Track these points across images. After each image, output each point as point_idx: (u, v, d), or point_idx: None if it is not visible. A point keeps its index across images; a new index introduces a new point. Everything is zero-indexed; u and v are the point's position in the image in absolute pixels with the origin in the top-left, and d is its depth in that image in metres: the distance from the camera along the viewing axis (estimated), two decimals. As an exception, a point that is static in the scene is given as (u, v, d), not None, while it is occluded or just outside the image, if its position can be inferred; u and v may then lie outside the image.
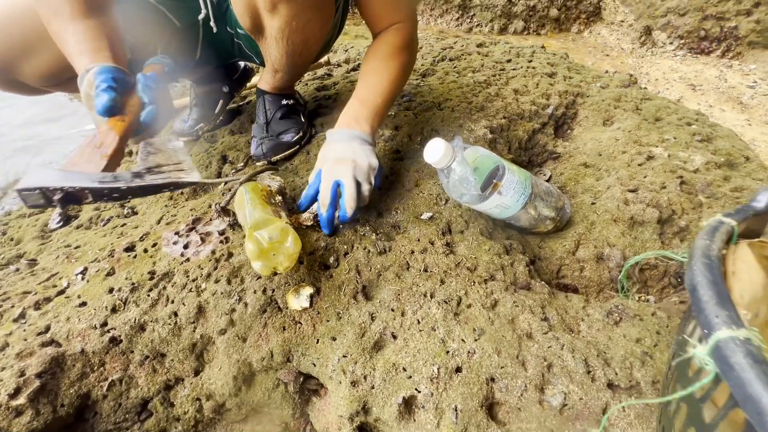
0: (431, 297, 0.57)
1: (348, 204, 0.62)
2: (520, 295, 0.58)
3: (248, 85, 1.25)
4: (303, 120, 0.96)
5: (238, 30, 0.87)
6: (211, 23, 0.87)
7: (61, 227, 0.96)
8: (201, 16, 0.86)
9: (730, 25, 2.30)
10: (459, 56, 1.33)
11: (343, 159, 0.65)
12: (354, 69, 1.35)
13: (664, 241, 0.75)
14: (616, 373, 0.48)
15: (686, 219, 0.76)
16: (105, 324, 0.58)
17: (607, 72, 1.87)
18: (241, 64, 1.16)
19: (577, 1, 2.56)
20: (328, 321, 0.58)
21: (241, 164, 0.95)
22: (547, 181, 0.97)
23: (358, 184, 0.64)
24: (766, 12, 2.23)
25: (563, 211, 0.76)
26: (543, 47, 1.56)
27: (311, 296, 0.59)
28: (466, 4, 2.40)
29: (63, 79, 0.79)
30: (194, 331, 0.59)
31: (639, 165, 0.89)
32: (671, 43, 2.43)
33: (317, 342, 0.57)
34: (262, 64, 0.91)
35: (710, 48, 2.36)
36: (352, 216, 0.63)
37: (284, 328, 0.58)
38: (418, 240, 0.65)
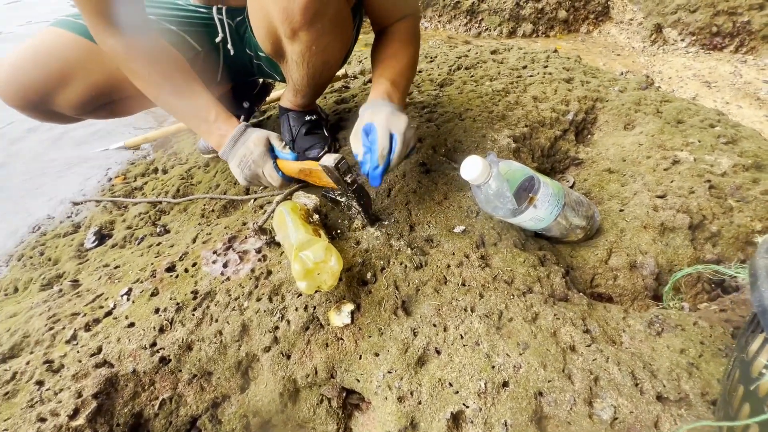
0: (472, 311, 0.58)
1: (399, 153, 0.65)
2: (560, 307, 0.58)
3: (268, 99, 1.28)
4: (327, 134, 0.98)
5: (258, 53, 0.89)
6: (228, 46, 0.89)
7: (96, 246, 0.98)
8: (218, 40, 0.88)
9: (742, 20, 2.27)
10: (474, 64, 1.34)
11: (396, 114, 0.67)
12: (370, 81, 1.37)
13: (696, 247, 0.75)
14: (664, 385, 0.48)
15: (717, 224, 0.76)
16: (154, 344, 0.60)
17: (622, 74, 1.87)
18: (261, 80, 1.18)
19: (585, 1, 2.55)
20: (370, 337, 0.59)
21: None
22: (571, 187, 0.97)
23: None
24: (779, 5, 2.21)
25: (593, 219, 0.76)
26: (556, 51, 1.56)
27: (352, 312, 0.60)
28: (474, 9, 2.41)
29: (95, 107, 0.82)
30: (239, 349, 0.60)
31: (665, 170, 0.89)
32: (683, 40, 2.41)
33: (360, 358, 0.58)
34: (283, 80, 0.94)
35: (723, 44, 2.33)
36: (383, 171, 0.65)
37: (327, 345, 0.59)
38: (453, 254, 0.66)
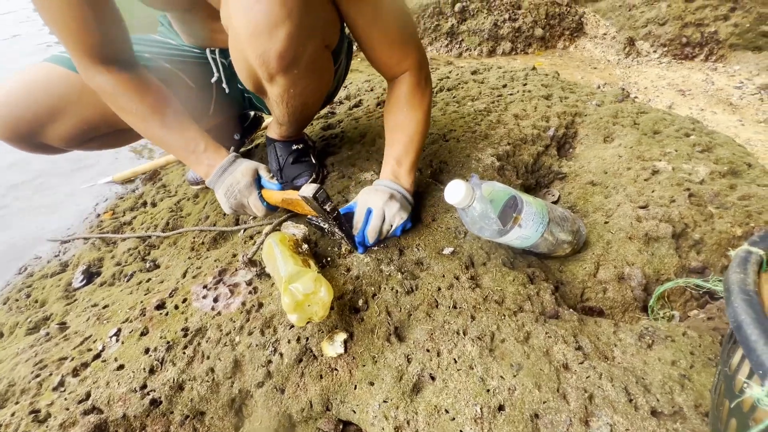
0: (464, 334, 0.58)
1: (370, 232, 0.71)
2: (551, 325, 0.59)
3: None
4: (314, 161, 0.99)
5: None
6: (224, 84, 0.91)
7: (84, 285, 0.97)
8: (214, 80, 0.90)
9: (709, 31, 2.38)
10: (456, 85, 1.37)
11: (380, 192, 0.72)
12: (356, 105, 1.40)
13: (681, 256, 0.76)
14: (658, 400, 0.48)
15: (700, 231, 0.78)
16: (144, 386, 0.59)
17: (599, 87, 1.93)
18: (251, 112, 1.20)
19: (560, 18, 2.65)
20: (365, 366, 0.58)
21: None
22: (556, 201, 0.99)
23: (384, 220, 0.71)
24: (741, 15, 2.32)
25: (579, 233, 0.78)
26: (534, 68, 1.61)
27: (345, 342, 0.60)
28: (454, 30, 2.49)
29: (85, 140, 0.83)
30: (232, 386, 0.59)
31: (645, 180, 0.92)
32: (655, 52, 2.51)
33: (355, 388, 0.58)
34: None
35: (693, 53, 2.43)
36: (372, 244, 0.72)
37: (321, 376, 0.59)
38: (443, 276, 0.67)
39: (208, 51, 0.89)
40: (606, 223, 0.83)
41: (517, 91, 1.30)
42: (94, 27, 0.63)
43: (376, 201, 0.72)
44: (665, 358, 0.53)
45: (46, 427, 0.55)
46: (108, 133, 0.85)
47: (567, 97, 1.28)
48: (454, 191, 0.59)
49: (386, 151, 0.80)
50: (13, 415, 0.57)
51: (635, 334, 0.57)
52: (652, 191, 0.88)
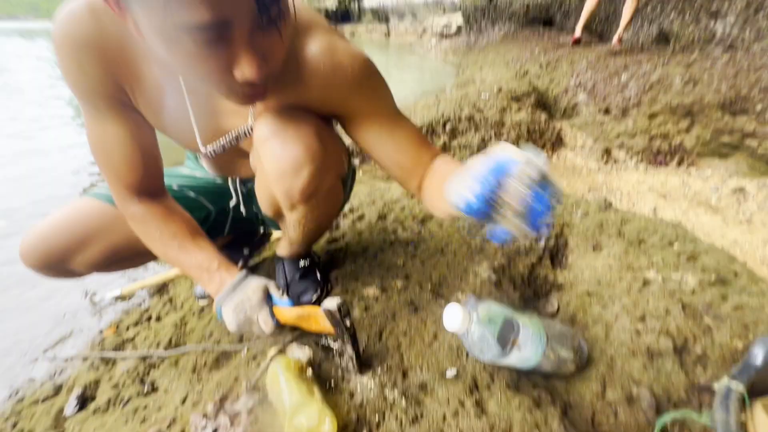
0: (473, 472, 0.55)
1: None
2: (563, 458, 0.56)
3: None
4: (319, 278, 1.04)
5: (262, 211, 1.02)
6: (241, 208, 1.02)
7: (77, 412, 0.93)
8: (233, 204, 1.01)
9: (675, 142, 2.65)
10: (450, 199, 1.50)
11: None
12: (359, 218, 1.51)
13: (687, 372, 0.75)
14: None
15: (701, 346, 0.78)
16: None
17: (583, 196, 2.08)
18: (261, 229, 1.30)
19: (541, 133, 2.98)
20: None
21: (263, 326, 0.99)
22: (556, 312, 1.01)
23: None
24: (700, 129, 2.61)
25: (581, 349, 0.78)
26: (521, 181, 1.77)
27: (348, 483, 0.57)
28: (446, 146, 2.79)
29: (107, 264, 0.89)
30: None
31: (638, 291, 0.95)
32: (631, 159, 2.75)
33: None
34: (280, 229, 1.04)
35: (666, 160, 2.67)
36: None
37: None
38: (448, 401, 0.66)
39: (230, 180, 1.01)
40: (607, 337, 0.84)
41: (507, 204, 1.41)
42: (136, 167, 0.74)
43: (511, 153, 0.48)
44: (689, 499, 0.50)
45: None
46: (128, 256, 0.92)
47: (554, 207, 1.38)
48: (452, 318, 0.62)
49: (448, 174, 0.61)
50: None
51: (653, 470, 0.54)
52: (647, 302, 0.91)
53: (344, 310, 0.67)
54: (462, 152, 2.77)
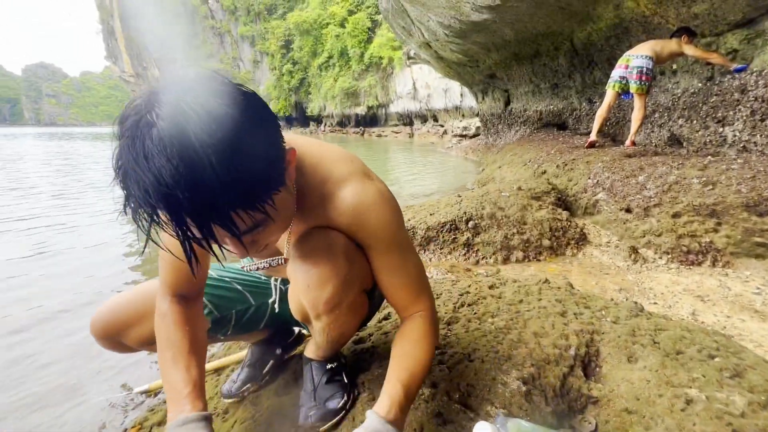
0: None
1: None
2: None
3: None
4: (346, 381, 1.05)
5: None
6: (275, 305, 1.10)
7: None
8: (271, 300, 1.10)
9: (705, 241, 2.61)
10: (476, 301, 1.52)
11: None
12: (385, 318, 1.53)
13: None
14: None
15: (761, 482, 0.71)
16: None
17: (612, 300, 2.04)
18: (295, 329, 1.35)
19: (563, 231, 3.03)
20: None
21: (288, 434, 0.98)
22: (594, 431, 0.95)
23: None
24: (729, 229, 2.58)
25: (624, 480, 0.73)
26: (547, 281, 1.78)
27: None
28: (469, 242, 2.87)
29: (153, 341, 0.97)
30: None
31: (681, 410, 0.89)
32: (660, 258, 2.70)
33: None
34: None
35: (698, 260, 2.60)
36: None
37: None
38: None
39: (272, 279, 1.11)
40: (652, 465, 0.78)
41: (533, 307, 1.42)
42: (184, 278, 0.85)
43: None
44: None
45: None
46: None
47: (582, 313, 1.37)
48: (481, 437, 0.62)
49: (390, 374, 0.79)
50: None
51: None
52: (693, 424, 0.85)
53: None
54: (485, 248, 2.83)
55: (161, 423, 1.27)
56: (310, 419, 0.94)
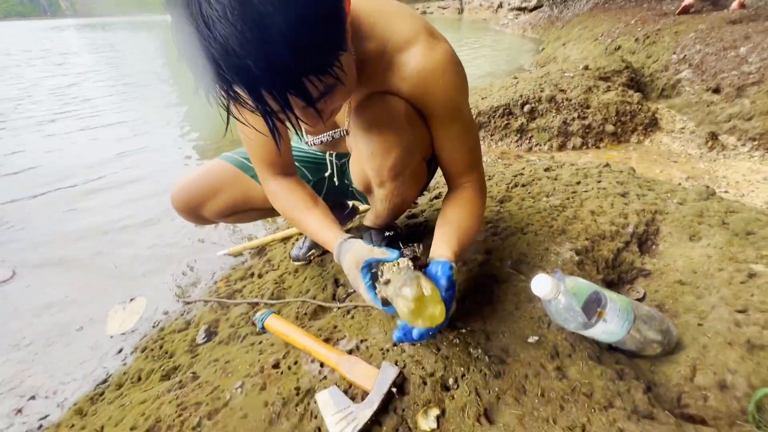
0: (554, 422, 0.61)
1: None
2: (645, 424, 0.59)
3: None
4: (402, 247, 1.13)
5: (353, 185, 1.13)
6: (334, 179, 1.15)
7: (205, 342, 1.15)
8: (327, 174, 1.14)
9: (805, 126, 2.27)
10: (530, 182, 1.49)
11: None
12: (436, 197, 1.57)
13: (794, 368, 0.71)
14: None
15: (813, 343, 0.73)
16: (263, 436, 0.69)
17: (680, 184, 1.91)
18: (350, 203, 1.43)
19: (632, 115, 2.74)
20: (456, 444, 0.63)
21: (352, 289, 1.11)
22: (642, 299, 0.99)
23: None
24: (843, 111, 2.20)
25: (669, 333, 0.78)
26: (608, 165, 1.68)
27: (438, 417, 0.66)
28: (523, 128, 2.70)
29: (229, 214, 1.09)
30: (335, 447, 0.67)
31: (741, 283, 0.89)
32: (743, 145, 2.42)
33: (446, 465, 0.62)
34: (367, 201, 1.15)
35: (790, 147, 2.30)
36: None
37: (415, 449, 0.64)
38: (530, 363, 0.71)
39: (327, 154, 1.14)
40: (700, 325, 0.82)
41: (592, 188, 1.37)
42: (273, 153, 0.88)
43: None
44: (782, 478, 0.50)
45: (188, 460, 0.67)
46: (245, 210, 1.10)
47: (645, 195, 1.31)
48: (541, 284, 0.67)
49: (444, 238, 0.79)
50: (163, 446, 0.70)
51: (743, 448, 0.55)
52: (751, 295, 0.86)
53: (399, 380, 0.70)
54: (540, 135, 2.66)
55: (242, 278, 1.50)
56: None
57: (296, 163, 1.13)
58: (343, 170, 1.16)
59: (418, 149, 0.84)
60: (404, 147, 0.79)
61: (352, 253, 0.76)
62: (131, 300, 1.53)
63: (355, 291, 1.11)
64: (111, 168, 2.87)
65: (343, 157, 1.13)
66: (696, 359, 0.74)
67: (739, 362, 0.72)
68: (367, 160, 0.83)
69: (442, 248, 0.77)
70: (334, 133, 0.91)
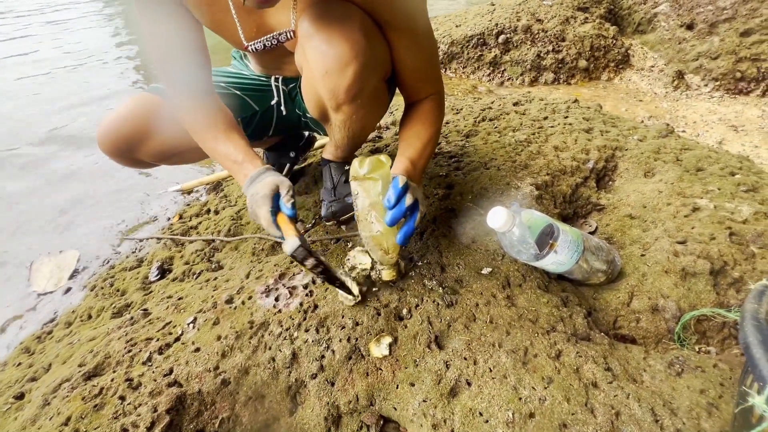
0: (499, 347, 0.64)
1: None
2: (582, 345, 0.63)
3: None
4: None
5: (306, 114, 1.04)
6: (282, 107, 1.05)
7: (158, 279, 1.11)
8: (273, 102, 1.04)
9: (766, 66, 2.31)
10: (498, 116, 1.45)
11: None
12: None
13: (719, 292, 0.78)
14: (684, 423, 0.51)
15: (739, 270, 0.79)
16: (217, 367, 0.69)
17: (642, 122, 1.93)
18: (306, 133, 1.34)
19: (605, 50, 2.67)
20: (407, 368, 0.65)
21: (310, 224, 1.08)
22: (593, 232, 1.02)
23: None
24: (803, 52, 2.24)
25: (614, 263, 0.81)
26: (576, 101, 1.66)
27: (390, 345, 0.67)
28: (496, 60, 2.58)
29: (168, 156, 0.98)
30: (289, 375, 0.68)
31: (685, 216, 0.93)
32: (706, 86, 2.46)
33: (397, 387, 0.64)
34: (326, 134, 1.07)
35: (749, 88, 2.36)
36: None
37: (367, 374, 0.66)
38: (481, 293, 0.73)
39: (272, 78, 1.02)
40: (642, 255, 0.86)
41: (558, 124, 1.35)
42: (187, 72, 0.76)
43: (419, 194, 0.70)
44: (694, 386, 0.56)
45: (138, 393, 0.66)
46: (184, 150, 0.99)
47: (608, 131, 1.31)
48: (496, 217, 0.66)
49: (401, 151, 0.79)
50: (112, 380, 0.69)
51: (665, 362, 0.60)
52: (692, 228, 0.90)
53: (300, 255, 0.64)
54: (513, 69, 2.56)
55: (198, 214, 1.42)
56: (330, 211, 1.01)
57: (237, 92, 1.01)
58: (292, 97, 1.05)
59: (378, 66, 0.76)
60: (362, 63, 0.71)
61: (272, 177, 0.75)
62: (60, 252, 1.38)
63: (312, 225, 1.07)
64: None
65: (292, 81, 1.02)
66: (634, 286, 0.79)
67: (672, 288, 0.77)
68: (320, 79, 0.74)
69: (399, 162, 0.76)
70: (279, 35, 0.78)
